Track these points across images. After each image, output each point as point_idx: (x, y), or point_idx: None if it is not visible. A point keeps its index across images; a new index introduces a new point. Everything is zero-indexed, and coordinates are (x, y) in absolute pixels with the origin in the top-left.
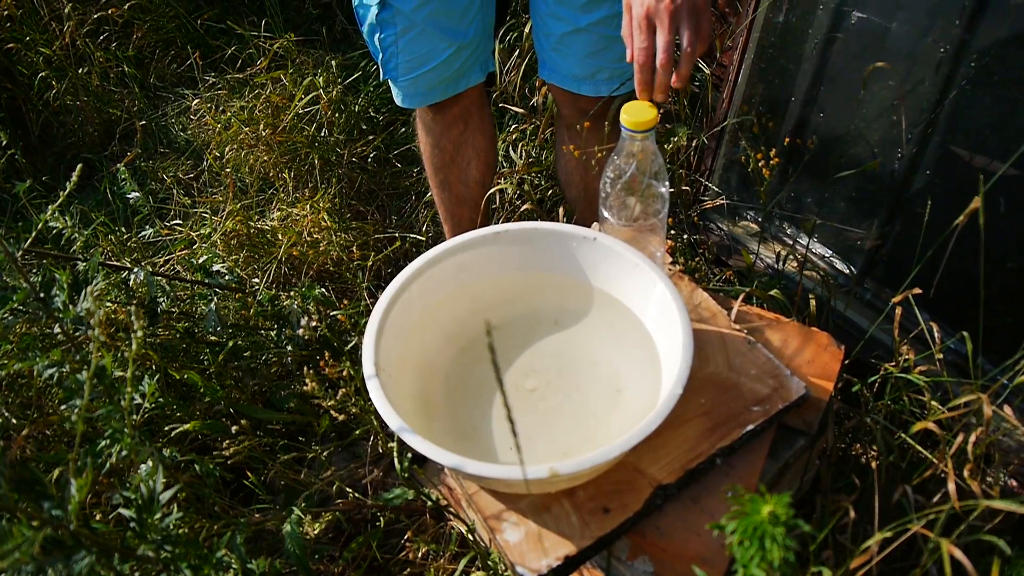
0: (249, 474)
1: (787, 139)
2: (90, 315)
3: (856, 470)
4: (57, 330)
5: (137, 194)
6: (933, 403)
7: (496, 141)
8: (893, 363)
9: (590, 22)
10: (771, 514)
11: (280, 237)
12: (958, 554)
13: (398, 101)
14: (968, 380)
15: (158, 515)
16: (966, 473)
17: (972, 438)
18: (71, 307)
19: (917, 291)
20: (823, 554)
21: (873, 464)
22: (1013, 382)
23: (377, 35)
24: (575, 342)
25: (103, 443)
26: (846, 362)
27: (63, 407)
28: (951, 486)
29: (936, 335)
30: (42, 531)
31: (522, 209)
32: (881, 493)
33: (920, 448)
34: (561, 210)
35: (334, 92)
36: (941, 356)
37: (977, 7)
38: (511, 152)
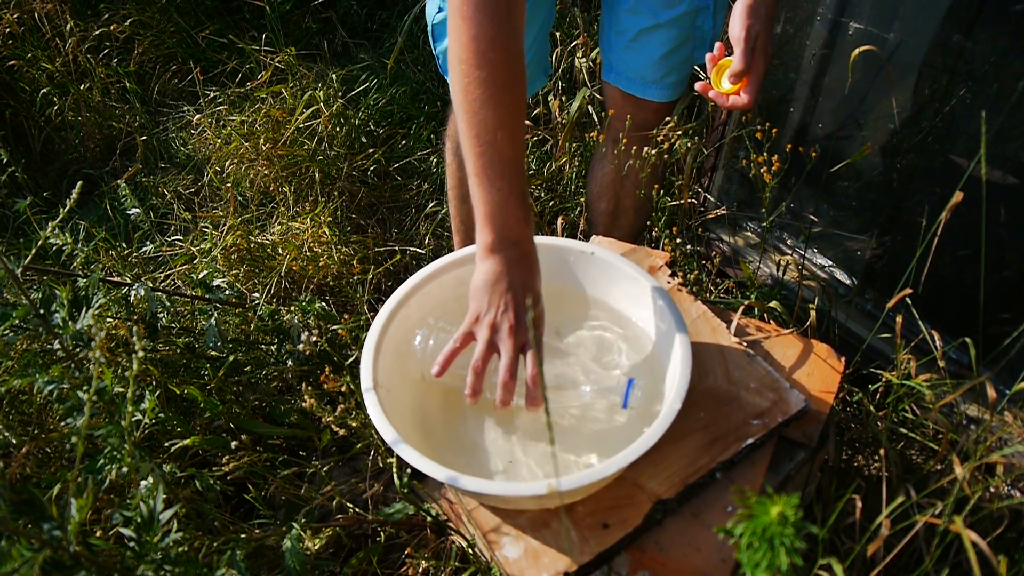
0: (250, 488)
1: (789, 146)
2: (91, 334)
3: (858, 480)
4: (57, 346)
5: (138, 210)
6: (931, 401)
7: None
8: (893, 371)
9: (671, 17)
10: (780, 515)
11: (280, 251)
12: (973, 536)
13: None
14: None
15: (158, 535)
16: (968, 474)
17: (973, 436)
18: (71, 323)
19: (908, 291)
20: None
21: (875, 466)
22: (1012, 389)
23: None
24: (573, 355)
25: (102, 461)
26: (847, 372)
27: (63, 423)
28: (957, 469)
29: (937, 342)
30: (42, 552)
31: None
32: (888, 490)
33: (924, 440)
34: (560, 221)
35: (334, 106)
36: (943, 363)
37: (974, 16)
38: None
